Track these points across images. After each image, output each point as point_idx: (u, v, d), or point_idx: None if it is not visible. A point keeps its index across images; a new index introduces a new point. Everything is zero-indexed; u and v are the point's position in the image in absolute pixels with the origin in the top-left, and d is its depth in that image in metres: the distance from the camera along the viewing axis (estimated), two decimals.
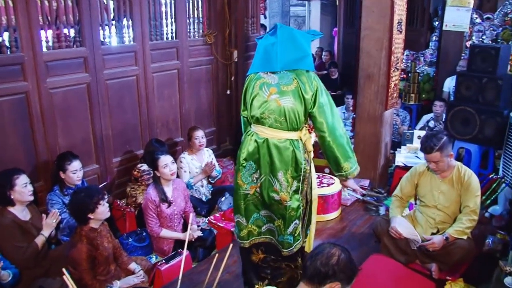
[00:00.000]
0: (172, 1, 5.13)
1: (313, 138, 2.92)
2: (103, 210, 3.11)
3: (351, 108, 6.62)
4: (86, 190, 3.19)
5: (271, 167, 2.69)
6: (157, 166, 3.82)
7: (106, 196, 3.22)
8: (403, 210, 3.68)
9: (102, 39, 4.41)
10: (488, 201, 4.28)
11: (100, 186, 4.15)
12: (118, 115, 4.68)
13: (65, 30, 4.11)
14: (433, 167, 3.35)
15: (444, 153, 3.27)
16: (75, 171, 3.77)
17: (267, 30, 2.92)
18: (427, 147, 3.29)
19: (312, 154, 2.84)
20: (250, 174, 2.77)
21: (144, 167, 4.49)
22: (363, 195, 4.66)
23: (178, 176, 4.32)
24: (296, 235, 2.79)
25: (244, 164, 2.76)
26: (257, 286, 2.97)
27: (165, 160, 3.84)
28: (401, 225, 3.37)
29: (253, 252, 2.94)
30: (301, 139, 2.72)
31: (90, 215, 3.06)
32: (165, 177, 3.87)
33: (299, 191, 2.74)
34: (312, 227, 2.95)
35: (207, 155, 5.01)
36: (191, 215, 3.94)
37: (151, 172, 4.21)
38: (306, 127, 2.77)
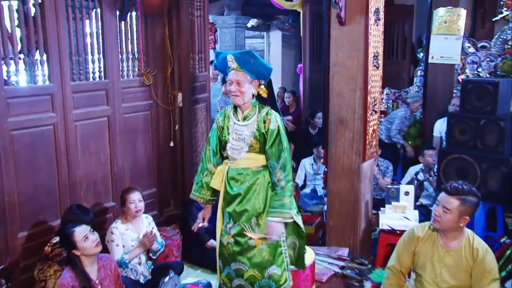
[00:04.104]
0: (100, 32, 5.03)
1: None
2: None
3: (321, 160, 6.54)
4: None
5: None
6: (74, 242, 3.56)
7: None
8: None
9: (5, 78, 4.22)
10: (503, 273, 4.21)
11: None
12: (28, 176, 4.44)
13: None
14: (437, 214, 3.28)
15: (462, 208, 3.23)
16: None
17: None
18: (452, 186, 3.28)
19: None
20: None
21: (58, 239, 4.20)
22: (342, 267, 4.56)
23: (106, 251, 4.10)
24: None
25: None
26: None
27: (83, 231, 3.60)
28: None
29: None
30: None
31: None
32: (87, 252, 3.62)
33: None
34: None
35: (146, 223, 4.83)
36: None
37: None
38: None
